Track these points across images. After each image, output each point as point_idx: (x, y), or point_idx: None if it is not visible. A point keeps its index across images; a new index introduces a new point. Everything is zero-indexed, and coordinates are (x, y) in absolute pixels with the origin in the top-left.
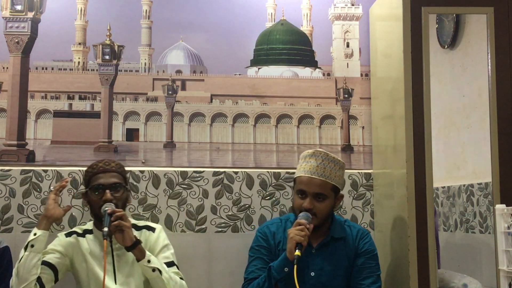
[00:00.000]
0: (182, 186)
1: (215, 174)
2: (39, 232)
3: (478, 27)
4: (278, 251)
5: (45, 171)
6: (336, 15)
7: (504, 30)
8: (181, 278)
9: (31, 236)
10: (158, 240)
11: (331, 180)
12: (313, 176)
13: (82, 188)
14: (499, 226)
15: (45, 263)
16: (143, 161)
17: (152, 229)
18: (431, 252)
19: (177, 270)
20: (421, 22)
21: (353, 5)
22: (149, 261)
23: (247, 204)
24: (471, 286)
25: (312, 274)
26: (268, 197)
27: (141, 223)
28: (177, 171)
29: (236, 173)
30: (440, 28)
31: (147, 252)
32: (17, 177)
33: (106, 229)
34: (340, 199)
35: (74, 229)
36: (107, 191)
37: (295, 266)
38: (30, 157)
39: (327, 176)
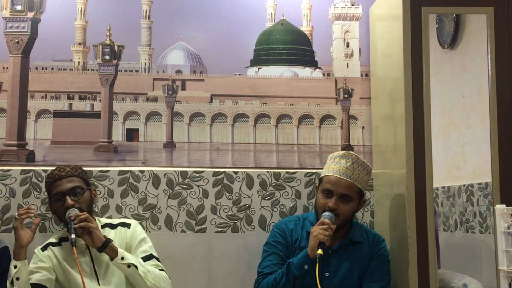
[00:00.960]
0: (182, 186)
1: (215, 174)
2: (19, 263)
3: (478, 27)
4: (295, 249)
5: (45, 171)
6: (336, 15)
7: (504, 30)
8: (161, 270)
9: (13, 270)
10: (134, 235)
11: (358, 183)
12: (342, 177)
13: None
14: (499, 226)
15: (34, 286)
16: (143, 161)
17: (127, 225)
18: (431, 252)
19: (156, 262)
20: (421, 22)
21: (353, 5)
22: (122, 258)
23: (247, 204)
24: (471, 286)
25: (327, 274)
26: (268, 197)
27: (115, 221)
28: (177, 171)
29: (236, 173)
30: (440, 28)
31: (119, 250)
32: (17, 177)
33: (73, 236)
34: (363, 204)
35: (49, 240)
36: (67, 197)
37: (317, 265)
38: (30, 157)
39: (355, 179)
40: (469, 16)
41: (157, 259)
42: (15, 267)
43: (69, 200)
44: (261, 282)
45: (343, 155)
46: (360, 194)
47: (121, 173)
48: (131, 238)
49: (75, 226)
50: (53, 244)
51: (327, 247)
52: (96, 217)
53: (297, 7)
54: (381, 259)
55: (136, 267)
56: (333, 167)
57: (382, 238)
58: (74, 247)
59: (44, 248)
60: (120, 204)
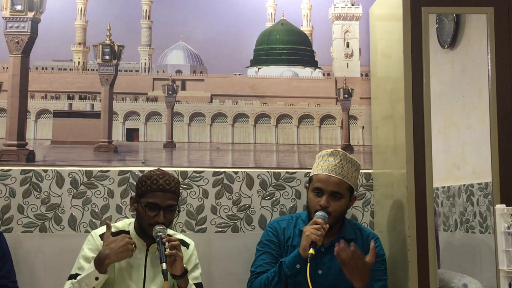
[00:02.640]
0: (182, 186)
1: (215, 174)
2: (101, 276)
3: (478, 27)
4: (287, 247)
5: (45, 171)
6: (336, 15)
7: (504, 30)
8: None
9: (93, 281)
10: (191, 257)
11: (348, 180)
12: (331, 175)
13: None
14: (499, 226)
15: None
16: (143, 161)
17: (186, 245)
18: (431, 252)
19: None
20: (421, 22)
21: (353, 5)
22: None
23: (247, 204)
24: (471, 286)
25: (320, 272)
26: (268, 197)
27: (176, 235)
28: (177, 171)
29: (236, 173)
30: (440, 28)
31: (190, 282)
32: (17, 177)
33: (164, 266)
34: (354, 201)
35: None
36: (162, 212)
37: (308, 264)
38: (30, 157)
39: (344, 176)
40: (469, 16)
41: None
42: (97, 279)
43: (162, 217)
44: (254, 281)
45: (331, 153)
46: (351, 191)
47: (121, 173)
48: (188, 260)
49: (166, 253)
50: (112, 234)
51: (318, 246)
52: None
53: (297, 7)
54: (378, 258)
55: None
56: (321, 165)
57: (377, 237)
58: (166, 282)
59: (103, 236)
60: (120, 204)
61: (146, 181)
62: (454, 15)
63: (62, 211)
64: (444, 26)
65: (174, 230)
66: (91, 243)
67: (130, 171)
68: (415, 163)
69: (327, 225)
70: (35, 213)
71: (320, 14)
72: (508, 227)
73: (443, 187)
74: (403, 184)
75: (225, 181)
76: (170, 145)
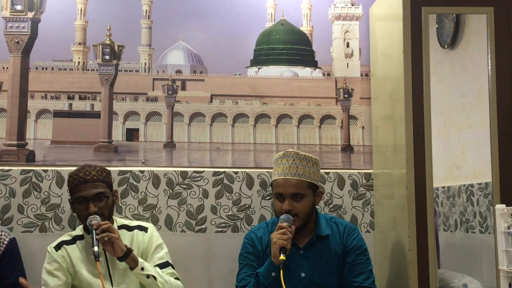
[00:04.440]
0: (182, 186)
1: (215, 174)
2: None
3: (478, 27)
4: (266, 256)
5: (45, 171)
6: (336, 15)
7: (504, 30)
8: (176, 278)
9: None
10: (151, 239)
11: (306, 178)
12: (287, 177)
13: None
14: (499, 226)
15: None
16: (143, 161)
17: (144, 229)
18: (431, 252)
19: (172, 270)
20: (421, 22)
21: (353, 5)
22: (142, 269)
23: (247, 204)
24: (471, 286)
25: (303, 275)
26: (268, 197)
27: (132, 223)
28: (177, 171)
29: (236, 173)
30: (440, 28)
31: (140, 260)
32: (17, 177)
33: (95, 248)
34: (320, 195)
35: (62, 238)
36: (90, 203)
37: (281, 272)
38: (30, 157)
39: (301, 175)
40: (469, 16)
41: (172, 267)
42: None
43: (92, 207)
44: None
45: (283, 155)
46: (313, 188)
47: (121, 173)
48: (148, 243)
49: (97, 237)
50: (66, 243)
51: (297, 247)
52: (113, 217)
53: (297, 7)
54: (357, 250)
55: (155, 278)
56: (277, 169)
57: (354, 227)
58: (97, 262)
59: (57, 247)
60: (120, 204)
61: (70, 179)
62: (454, 15)
63: (62, 211)
64: (444, 26)
65: (175, 229)
66: (47, 257)
67: (130, 171)
68: (415, 163)
69: (293, 227)
70: (35, 213)
71: (320, 14)
72: (508, 227)
73: (443, 187)
74: (403, 184)
75: (225, 181)
76: (170, 145)
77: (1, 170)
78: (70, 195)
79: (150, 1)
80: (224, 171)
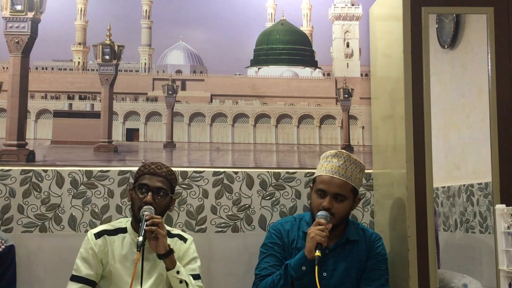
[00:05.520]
0: (182, 186)
1: (215, 174)
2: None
3: (478, 27)
4: (291, 249)
5: (45, 171)
6: (336, 15)
7: (504, 30)
8: None
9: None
10: (188, 251)
11: (352, 182)
12: (335, 176)
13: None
14: (499, 226)
15: (82, 280)
16: (143, 161)
17: (184, 239)
18: (431, 252)
19: (201, 284)
20: (421, 22)
21: (353, 5)
22: (178, 272)
23: (247, 204)
24: (471, 286)
25: (325, 274)
26: (268, 197)
27: (174, 231)
28: (177, 171)
29: (236, 173)
30: (440, 28)
31: (178, 263)
32: (17, 177)
33: (140, 238)
34: (358, 202)
35: (104, 227)
36: (150, 193)
37: (316, 267)
38: (30, 157)
39: (348, 177)
40: (469, 16)
41: (201, 281)
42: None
43: (149, 197)
44: (259, 284)
45: (335, 154)
46: (354, 193)
47: (121, 173)
48: (185, 253)
49: (146, 228)
50: (108, 233)
51: (324, 247)
52: None
53: (297, 7)
54: (378, 257)
55: (187, 284)
56: (325, 166)
57: (379, 237)
58: (138, 252)
59: (98, 235)
60: (120, 204)
61: (140, 168)
62: (454, 15)
63: (62, 211)
64: (444, 26)
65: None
66: (85, 242)
67: (130, 171)
68: (415, 163)
69: (330, 225)
70: (35, 213)
71: (320, 14)
72: (508, 227)
73: (443, 187)
74: (403, 184)
75: (225, 181)
76: (170, 145)
77: (1, 170)
78: (133, 184)
79: (150, 1)
80: (224, 171)
